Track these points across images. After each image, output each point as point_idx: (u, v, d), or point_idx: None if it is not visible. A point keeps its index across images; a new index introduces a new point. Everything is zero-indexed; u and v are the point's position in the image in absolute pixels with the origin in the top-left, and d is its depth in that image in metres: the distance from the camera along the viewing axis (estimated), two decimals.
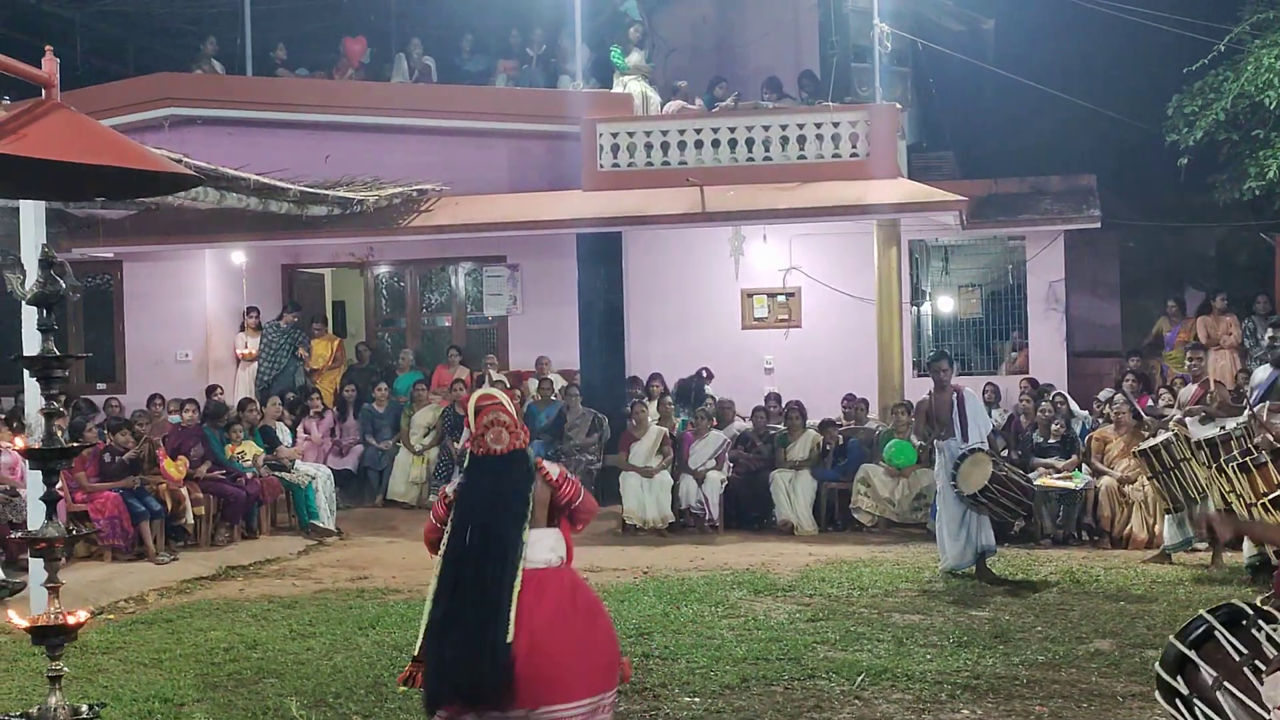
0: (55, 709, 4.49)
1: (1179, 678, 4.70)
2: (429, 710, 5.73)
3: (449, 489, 6.08)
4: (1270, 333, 11.92)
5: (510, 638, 5.57)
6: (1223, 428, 10.95)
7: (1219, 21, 16.72)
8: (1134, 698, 7.29)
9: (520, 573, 5.72)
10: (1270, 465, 10.01)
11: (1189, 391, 12.19)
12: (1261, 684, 4.44)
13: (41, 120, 4.25)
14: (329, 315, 19.26)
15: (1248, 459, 10.13)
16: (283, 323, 17.30)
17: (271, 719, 7.17)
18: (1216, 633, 4.70)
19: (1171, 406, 13.15)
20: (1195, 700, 4.63)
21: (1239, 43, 16.35)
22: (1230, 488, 10.31)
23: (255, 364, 17.30)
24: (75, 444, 4.73)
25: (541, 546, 5.83)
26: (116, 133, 4.62)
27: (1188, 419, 11.65)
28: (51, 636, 4.52)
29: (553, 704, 5.60)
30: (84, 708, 4.60)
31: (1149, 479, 11.82)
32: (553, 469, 6.01)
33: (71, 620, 4.54)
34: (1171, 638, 4.84)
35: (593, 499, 6.20)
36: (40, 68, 4.55)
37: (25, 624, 4.52)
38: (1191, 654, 4.70)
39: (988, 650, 8.44)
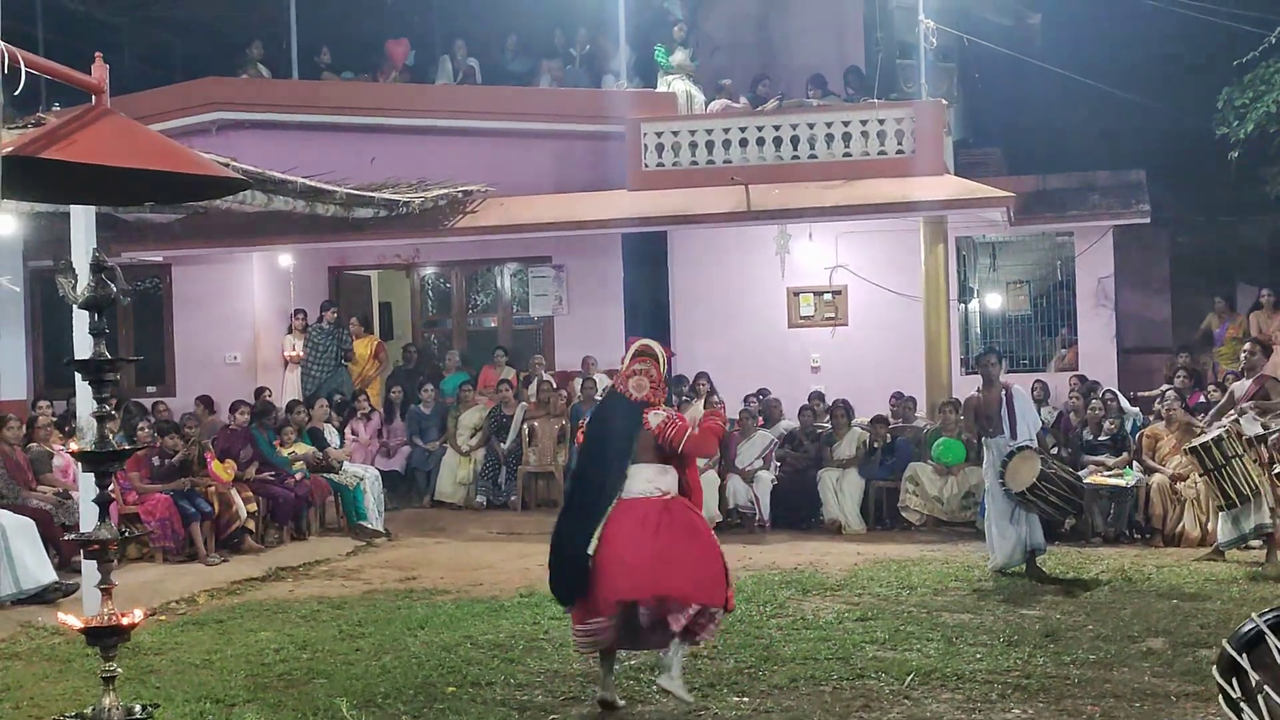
0: (109, 709, 4.53)
1: (1233, 681, 4.65)
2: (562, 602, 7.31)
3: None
4: None
5: (591, 549, 6.93)
6: (1265, 426, 10.84)
7: (1270, 13, 16.52)
8: (1187, 697, 7.21)
9: (615, 500, 7.02)
10: None
11: (1243, 386, 12.04)
12: None
13: (92, 126, 4.29)
14: (375, 316, 19.34)
15: None
16: (324, 323, 17.39)
17: (322, 718, 7.20)
18: (1266, 636, 4.65)
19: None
20: (1244, 704, 4.58)
21: None
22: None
23: (301, 367, 17.39)
24: (128, 446, 4.77)
25: (639, 479, 7.08)
26: (166, 138, 4.65)
27: (1242, 417, 11.51)
28: (105, 638, 4.56)
29: (629, 596, 6.89)
30: (137, 708, 4.64)
31: (1201, 475, 11.68)
32: (654, 419, 7.12)
33: (125, 621, 4.57)
34: (1224, 641, 4.79)
35: (701, 440, 7.20)
36: (90, 74, 4.59)
37: (80, 625, 4.56)
38: (1240, 657, 4.65)
39: (1038, 649, 8.37)
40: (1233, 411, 11.63)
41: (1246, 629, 4.71)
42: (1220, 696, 4.74)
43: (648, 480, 7.09)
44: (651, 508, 7.01)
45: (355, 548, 13.71)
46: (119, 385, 16.83)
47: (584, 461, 7.51)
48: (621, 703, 7.34)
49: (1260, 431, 10.96)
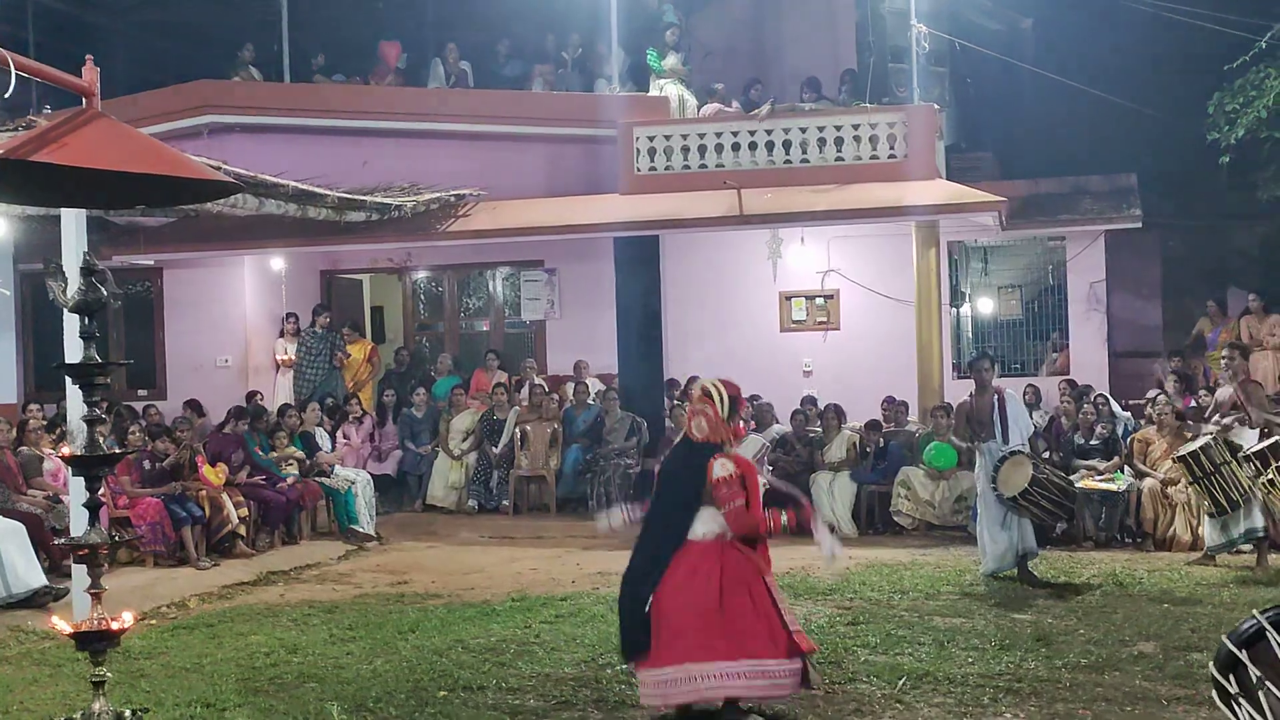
0: (99, 714, 4.51)
1: (1231, 677, 4.67)
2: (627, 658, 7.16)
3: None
4: None
5: (648, 601, 6.82)
6: (1262, 434, 10.85)
7: (1260, 18, 16.56)
8: (1178, 701, 7.22)
9: (682, 543, 6.91)
10: None
11: (1225, 393, 12.06)
12: None
13: (83, 129, 4.28)
14: (367, 320, 19.33)
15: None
16: (317, 327, 17.36)
17: None
18: (1267, 633, 4.66)
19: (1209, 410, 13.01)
20: (1243, 699, 4.60)
21: None
22: (1271, 490, 10.20)
23: (294, 371, 17.37)
24: (117, 450, 4.75)
25: (705, 519, 6.92)
26: (156, 141, 4.64)
27: (1226, 420, 11.54)
28: (95, 642, 4.55)
29: (675, 663, 6.72)
30: (127, 713, 4.62)
31: (1190, 484, 11.70)
32: (720, 469, 6.88)
33: (115, 625, 4.55)
34: (1224, 636, 4.81)
35: (748, 515, 6.88)
36: (81, 77, 4.58)
37: (69, 630, 4.54)
38: (1240, 653, 4.67)
39: (1030, 653, 8.37)
40: (1219, 419, 11.66)
41: (1247, 625, 4.73)
42: (1214, 692, 4.76)
43: (705, 522, 6.94)
44: (706, 555, 6.86)
45: (346, 552, 13.69)
46: (109, 389, 16.89)
47: (654, 504, 7.32)
48: None
49: (1259, 446, 10.92)
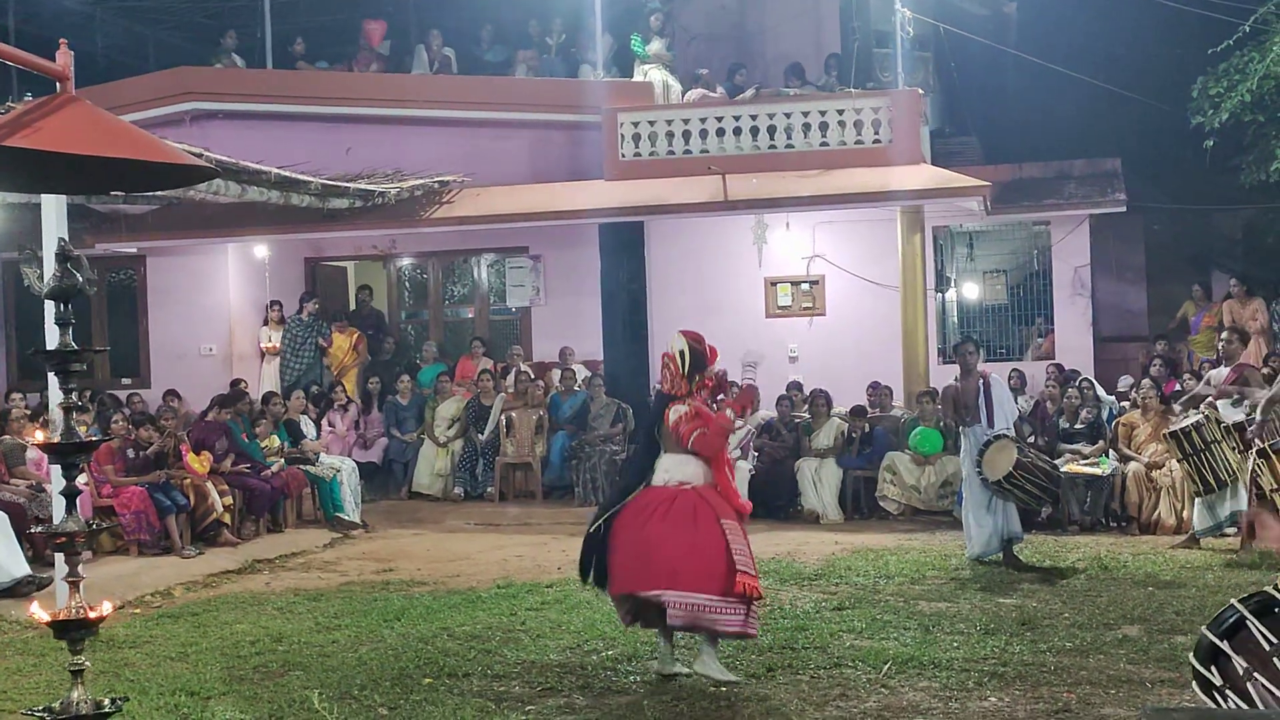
0: (77, 703, 4.48)
1: (1212, 668, 4.64)
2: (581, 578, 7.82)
3: None
4: None
5: (595, 529, 7.52)
6: (1249, 411, 10.86)
7: (1244, 2, 16.56)
8: (1162, 684, 7.23)
9: (641, 488, 7.49)
10: None
11: (1221, 374, 12.07)
12: None
13: (56, 114, 4.23)
14: (352, 307, 19.28)
15: (1269, 445, 10.04)
16: (304, 315, 17.31)
17: (297, 711, 7.16)
18: (1248, 622, 4.63)
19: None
20: (1228, 690, 4.57)
21: (1264, 23, 16.18)
22: (1260, 472, 10.22)
23: (280, 358, 17.33)
24: (95, 439, 4.71)
25: (660, 468, 7.50)
26: (131, 125, 4.59)
27: (1219, 401, 11.55)
28: (73, 631, 4.50)
29: (629, 589, 7.37)
30: (106, 701, 4.59)
31: (1179, 461, 11.72)
32: (673, 414, 7.44)
33: (93, 614, 4.52)
34: (1204, 628, 4.78)
35: (702, 440, 7.37)
36: (55, 61, 4.53)
37: (47, 618, 4.51)
38: (1222, 644, 4.64)
39: (1015, 637, 8.38)
40: (1210, 398, 11.68)
41: (1226, 615, 4.70)
42: (1195, 683, 4.73)
43: (665, 470, 7.48)
44: (661, 497, 7.39)
45: (332, 540, 13.66)
46: (90, 376, 16.86)
47: (631, 452, 8.16)
48: (684, 670, 7.61)
49: (1240, 419, 10.99)
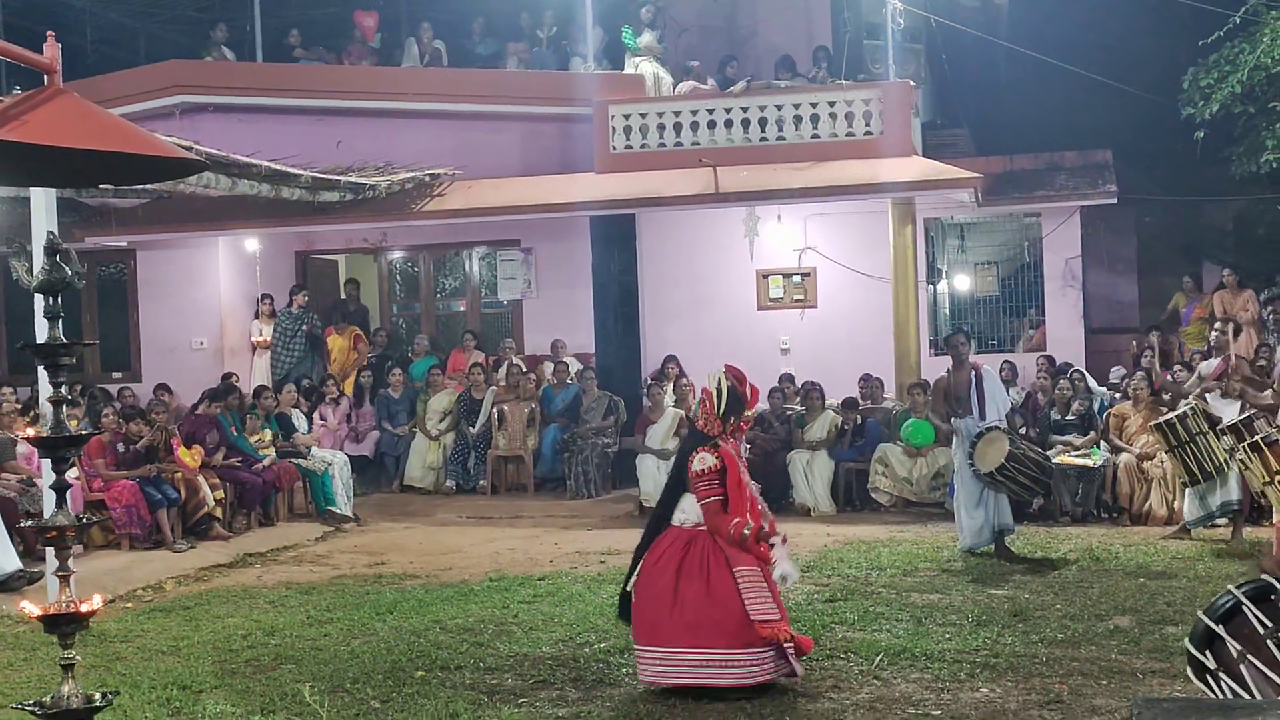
0: (68, 697, 4.47)
1: (1207, 653, 4.67)
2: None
3: None
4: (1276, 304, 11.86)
5: (629, 585, 7.23)
6: (1243, 407, 10.89)
7: None
8: (1154, 674, 7.25)
9: (664, 527, 7.24)
10: None
11: (1210, 365, 12.09)
12: None
13: (44, 106, 4.21)
14: (342, 292, 19.22)
15: (1259, 438, 10.05)
16: (294, 307, 17.27)
17: (289, 705, 7.16)
18: (1244, 607, 4.66)
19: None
20: (1221, 674, 4.60)
21: (1254, 14, 16.19)
22: (1247, 466, 10.23)
23: (270, 352, 17.30)
24: (84, 432, 4.69)
25: (680, 508, 7.24)
26: (119, 118, 4.57)
27: (1208, 394, 11.57)
28: (64, 625, 4.49)
29: (643, 644, 7.08)
30: (97, 695, 4.58)
31: (1166, 452, 11.74)
32: (699, 463, 7.12)
33: (84, 608, 4.51)
34: (1200, 612, 4.80)
35: (719, 516, 7.07)
36: (42, 54, 4.51)
37: (38, 613, 4.49)
38: (1218, 629, 4.67)
39: (1007, 629, 8.40)
40: (1198, 387, 11.70)
41: (1223, 601, 4.73)
42: (1189, 668, 4.76)
43: (684, 511, 7.26)
44: (677, 542, 7.15)
45: (323, 533, 13.65)
46: (80, 370, 16.82)
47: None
48: None
49: (1235, 418, 10.98)
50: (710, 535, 7.08)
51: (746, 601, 6.93)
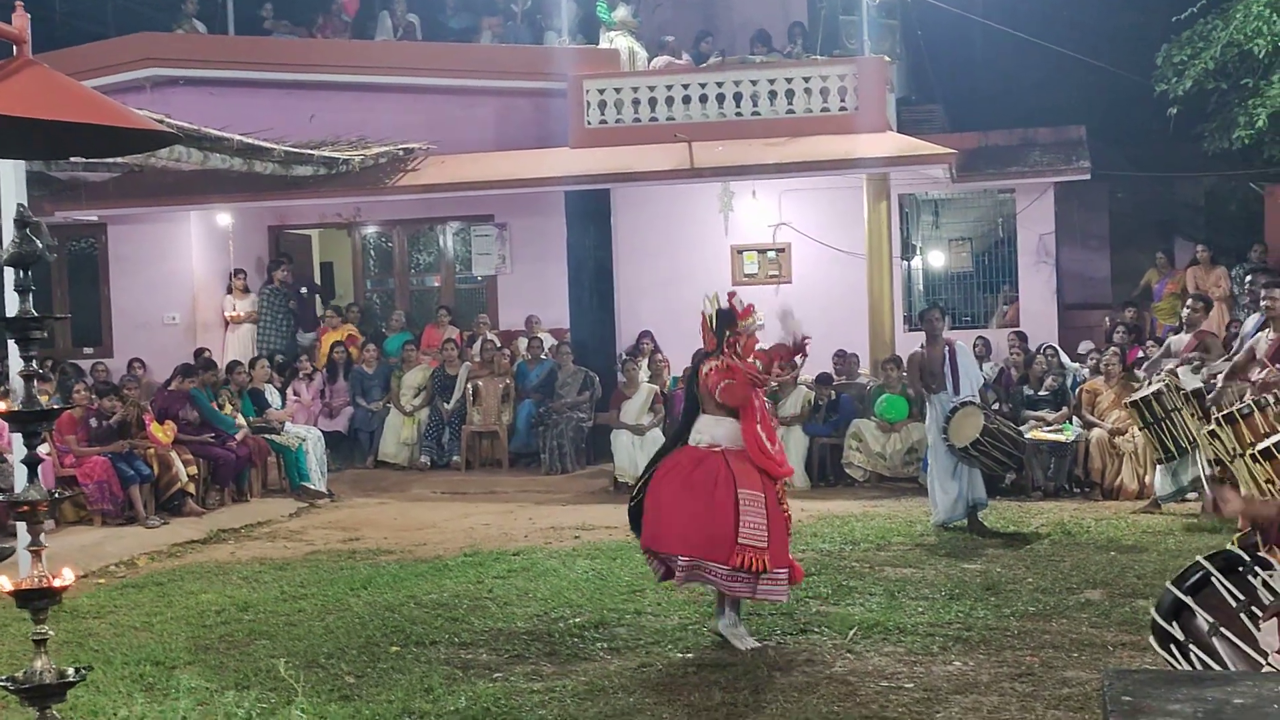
0: (41, 672, 4.45)
1: (1174, 624, 4.69)
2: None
3: None
4: (1250, 280, 11.89)
5: (639, 493, 7.71)
6: (1207, 378, 10.95)
7: None
8: (1124, 647, 7.30)
9: (679, 445, 7.68)
10: (1257, 415, 9.96)
11: (1182, 340, 12.15)
12: (1258, 629, 4.44)
13: (13, 78, 4.17)
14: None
15: (1234, 409, 10.09)
16: (276, 283, 17.17)
17: (263, 680, 7.14)
18: (1213, 579, 4.69)
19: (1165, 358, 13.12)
20: (1191, 645, 4.62)
21: None
22: (1217, 436, 10.27)
23: (244, 327, 17.21)
24: (55, 407, 4.66)
25: (695, 429, 7.63)
26: (90, 90, 4.54)
27: (1180, 369, 11.62)
28: (36, 600, 4.47)
29: (652, 547, 7.55)
30: (70, 671, 4.56)
31: (1140, 429, 11.80)
32: (706, 365, 7.66)
33: (56, 583, 4.48)
34: (1169, 583, 4.83)
35: (737, 386, 7.47)
36: (10, 24, 4.47)
37: (9, 587, 4.47)
38: (1188, 600, 4.69)
39: (979, 602, 8.44)
40: (1169, 364, 11.74)
41: (1192, 572, 4.75)
42: (1153, 636, 4.77)
43: (699, 430, 7.61)
44: (690, 459, 7.51)
45: (297, 509, 13.62)
46: (53, 346, 16.71)
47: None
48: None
49: (1199, 385, 11.07)
50: (721, 455, 7.39)
51: (741, 523, 7.23)
